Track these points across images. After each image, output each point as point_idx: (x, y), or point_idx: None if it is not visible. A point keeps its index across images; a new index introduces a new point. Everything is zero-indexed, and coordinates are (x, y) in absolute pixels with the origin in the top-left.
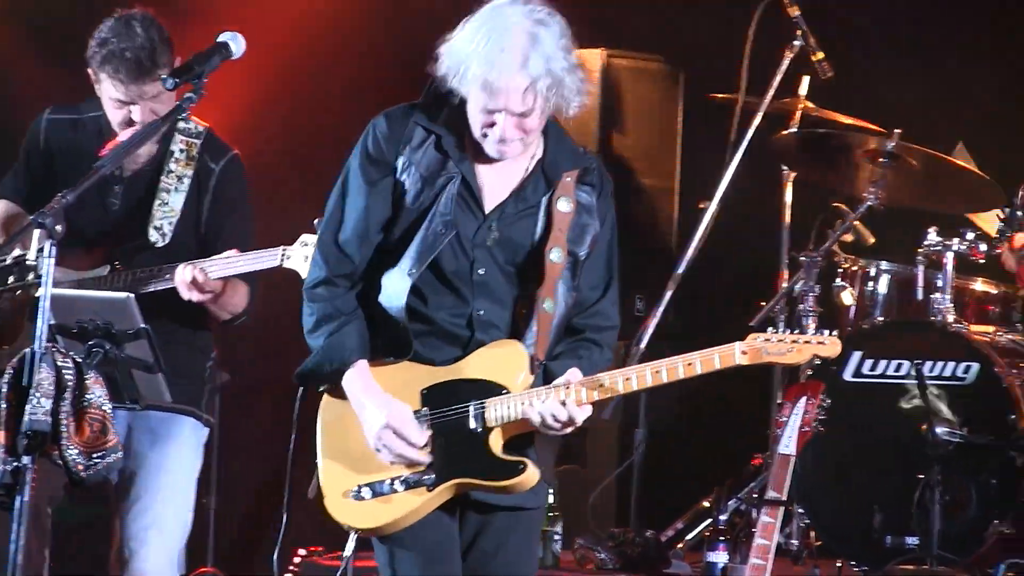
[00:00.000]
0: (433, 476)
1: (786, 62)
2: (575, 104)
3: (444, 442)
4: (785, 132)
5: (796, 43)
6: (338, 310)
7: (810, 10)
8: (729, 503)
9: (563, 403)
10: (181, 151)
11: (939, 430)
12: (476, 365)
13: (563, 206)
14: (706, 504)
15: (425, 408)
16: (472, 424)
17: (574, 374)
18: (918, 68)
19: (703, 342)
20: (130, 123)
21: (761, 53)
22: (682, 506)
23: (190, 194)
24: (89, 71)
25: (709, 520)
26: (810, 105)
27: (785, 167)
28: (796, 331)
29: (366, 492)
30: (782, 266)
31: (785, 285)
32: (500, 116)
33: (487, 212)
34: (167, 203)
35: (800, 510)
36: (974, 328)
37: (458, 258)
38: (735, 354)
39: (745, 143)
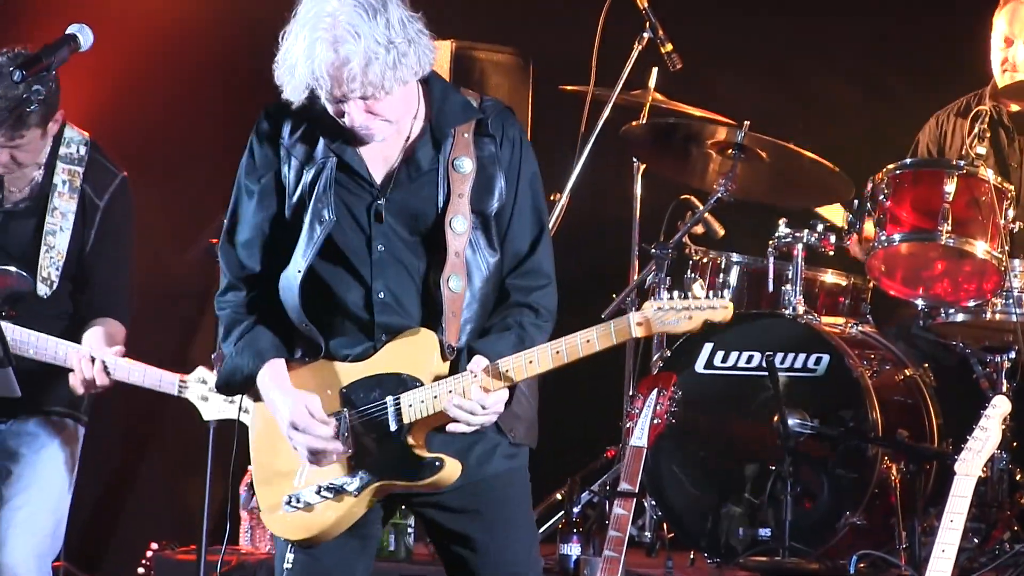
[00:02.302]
0: (356, 481)
1: (635, 54)
2: (425, 63)
3: (366, 443)
4: (635, 123)
5: (645, 35)
6: (244, 315)
7: (659, 2)
8: (582, 495)
9: (466, 395)
10: (64, 182)
11: (790, 422)
12: (389, 358)
13: (463, 166)
14: (559, 496)
15: (345, 409)
16: (391, 422)
17: (477, 363)
18: (768, 61)
19: (556, 334)
20: None
21: (612, 44)
22: (535, 498)
23: (75, 231)
24: None
25: (562, 512)
26: (660, 97)
27: (635, 159)
28: (687, 295)
29: (295, 502)
30: (633, 258)
31: (636, 277)
32: (344, 105)
33: (378, 184)
34: (53, 247)
35: (652, 502)
36: (825, 320)
37: (355, 237)
38: (631, 327)
39: (595, 134)
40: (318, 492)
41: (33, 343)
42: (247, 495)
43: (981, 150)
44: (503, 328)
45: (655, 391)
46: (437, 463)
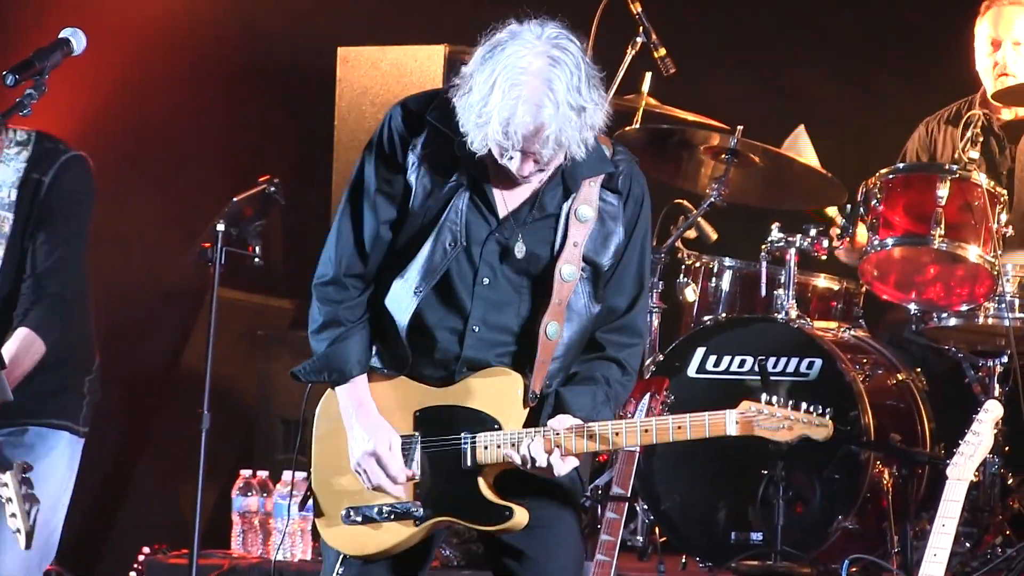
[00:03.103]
0: (422, 509)
1: (628, 58)
2: (596, 130)
3: (434, 473)
4: (628, 128)
5: (639, 39)
6: (345, 317)
7: (652, 7)
8: None
9: (549, 452)
10: None
11: None
12: (471, 392)
13: (584, 215)
14: None
15: (417, 433)
16: (463, 460)
17: (562, 421)
18: (761, 66)
19: None
20: None
21: (605, 49)
22: None
23: (14, 232)
24: None
25: None
26: (653, 101)
27: None
28: (791, 405)
29: (356, 515)
30: None
31: None
32: (516, 154)
33: (500, 218)
34: None
35: (644, 506)
36: (817, 324)
37: (463, 265)
38: (727, 424)
39: None
40: (380, 512)
41: None
42: (239, 498)
43: (974, 154)
44: (590, 380)
45: (647, 395)
46: (507, 512)
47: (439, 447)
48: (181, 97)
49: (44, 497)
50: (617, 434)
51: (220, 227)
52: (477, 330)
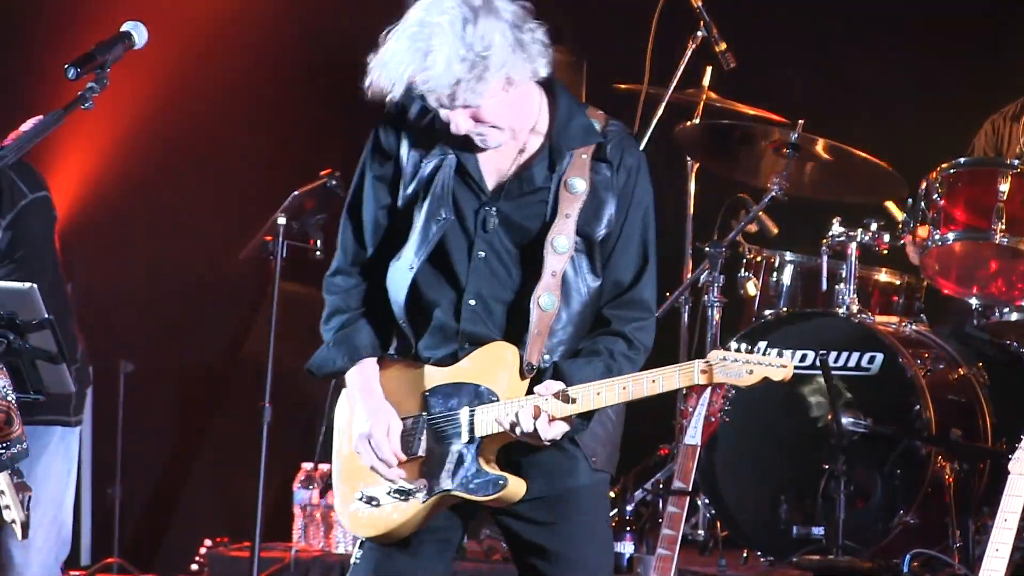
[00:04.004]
0: (425, 487)
1: (689, 52)
2: (529, 71)
3: (439, 450)
4: (689, 123)
5: (699, 33)
6: (349, 304)
7: (713, 1)
8: (635, 493)
9: (536, 417)
10: None
11: (844, 420)
12: (471, 367)
13: (576, 186)
14: (612, 494)
15: (424, 413)
16: (463, 434)
17: (548, 386)
18: (821, 60)
19: None
20: None
21: (665, 43)
22: None
23: None
24: None
25: (615, 510)
26: (713, 95)
27: (689, 157)
28: (755, 350)
29: (367, 499)
30: (687, 257)
31: (690, 276)
32: (449, 113)
33: (489, 192)
34: None
35: (706, 500)
36: (879, 318)
37: (458, 240)
38: (694, 374)
39: (649, 133)
40: (388, 492)
41: None
42: (300, 492)
43: None
44: (592, 352)
45: (708, 389)
46: (501, 481)
47: (442, 424)
48: (241, 91)
49: (48, 494)
50: (598, 393)
51: (281, 220)
52: (473, 303)
